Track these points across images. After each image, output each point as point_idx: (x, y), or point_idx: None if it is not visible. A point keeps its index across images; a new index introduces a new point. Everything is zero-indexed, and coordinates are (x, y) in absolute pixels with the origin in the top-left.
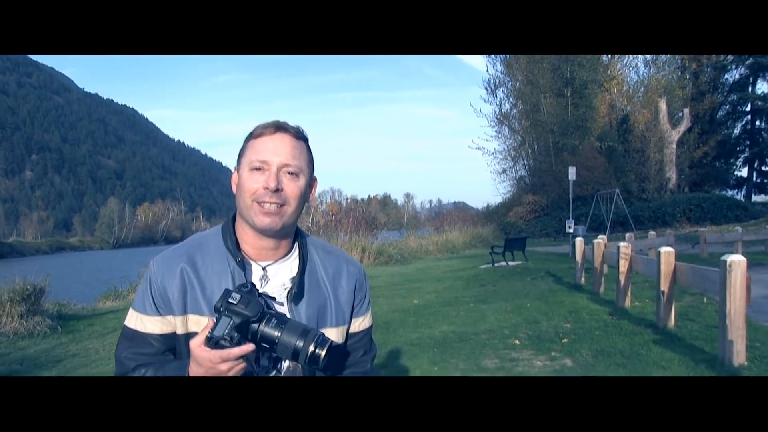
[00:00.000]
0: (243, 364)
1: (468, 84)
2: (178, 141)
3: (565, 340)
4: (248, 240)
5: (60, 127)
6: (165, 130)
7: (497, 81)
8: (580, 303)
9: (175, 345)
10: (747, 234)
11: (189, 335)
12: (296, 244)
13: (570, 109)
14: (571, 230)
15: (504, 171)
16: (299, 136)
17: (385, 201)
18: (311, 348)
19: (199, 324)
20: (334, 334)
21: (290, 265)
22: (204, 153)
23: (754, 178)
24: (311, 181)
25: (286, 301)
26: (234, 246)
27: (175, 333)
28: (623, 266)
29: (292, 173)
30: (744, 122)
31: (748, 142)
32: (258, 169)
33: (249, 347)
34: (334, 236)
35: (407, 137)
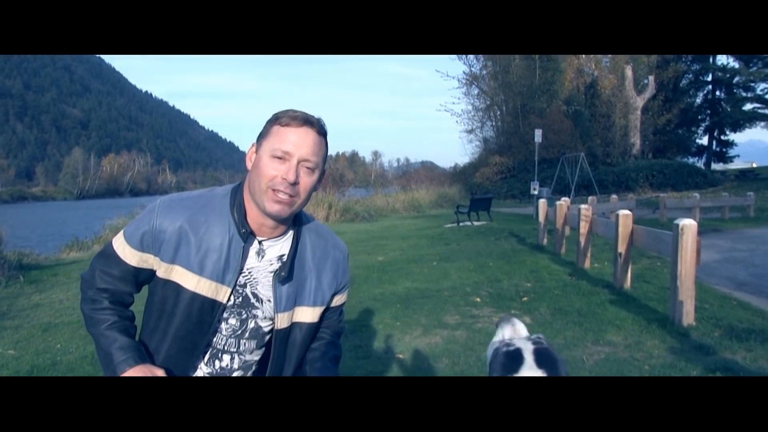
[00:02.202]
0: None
1: None
2: (146, 92)
3: (525, 298)
4: (251, 215)
5: (23, 74)
6: (132, 80)
7: None
8: (542, 263)
9: (143, 279)
10: (704, 200)
11: (169, 282)
12: (292, 225)
13: (538, 72)
14: (536, 192)
15: (472, 131)
16: (321, 131)
17: (353, 158)
18: None
19: (184, 277)
20: (308, 312)
21: (282, 244)
22: (172, 105)
23: (714, 147)
24: (322, 175)
25: (272, 279)
26: (241, 218)
27: (149, 270)
28: (583, 228)
29: (309, 168)
30: (705, 92)
31: (708, 111)
32: (279, 158)
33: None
34: None
35: (377, 95)
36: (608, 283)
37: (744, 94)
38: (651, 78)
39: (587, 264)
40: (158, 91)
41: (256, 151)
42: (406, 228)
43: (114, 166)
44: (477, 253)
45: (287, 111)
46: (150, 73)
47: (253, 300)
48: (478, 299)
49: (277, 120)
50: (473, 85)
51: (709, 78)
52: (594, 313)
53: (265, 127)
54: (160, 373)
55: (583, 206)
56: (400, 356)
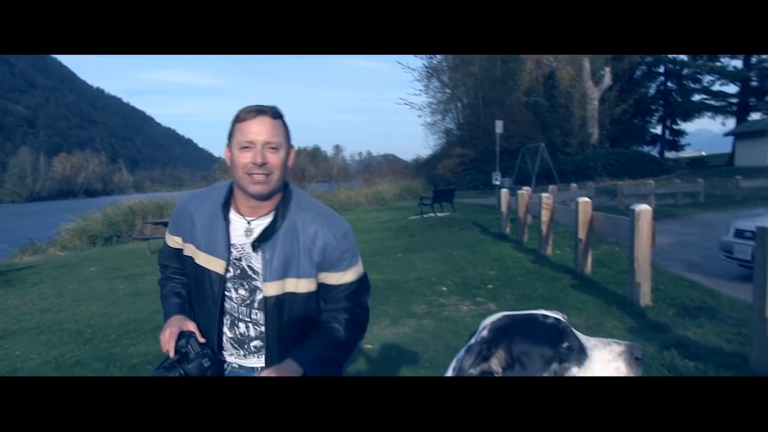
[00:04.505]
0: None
1: None
2: (98, 88)
3: (490, 286)
4: (240, 200)
5: None
6: (82, 75)
7: None
8: (505, 251)
9: (184, 257)
10: (659, 187)
11: (188, 258)
12: (280, 205)
13: (499, 63)
14: (498, 182)
15: (434, 123)
16: (276, 115)
17: (315, 153)
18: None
19: (194, 252)
20: (296, 283)
21: (267, 221)
22: (126, 101)
23: (667, 136)
24: (289, 150)
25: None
26: (225, 200)
27: (182, 249)
28: (545, 216)
29: (273, 148)
30: (658, 83)
31: (661, 102)
32: (246, 148)
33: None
34: None
35: (341, 90)
36: (570, 268)
37: (692, 86)
38: (607, 69)
39: (549, 251)
40: (111, 88)
41: (230, 150)
42: (370, 221)
43: (66, 167)
44: (442, 244)
45: (243, 108)
46: (101, 68)
47: (250, 272)
48: (444, 288)
49: (236, 119)
50: (433, 78)
51: (662, 69)
52: (557, 297)
53: (230, 129)
54: (190, 325)
55: (544, 195)
56: (369, 347)
